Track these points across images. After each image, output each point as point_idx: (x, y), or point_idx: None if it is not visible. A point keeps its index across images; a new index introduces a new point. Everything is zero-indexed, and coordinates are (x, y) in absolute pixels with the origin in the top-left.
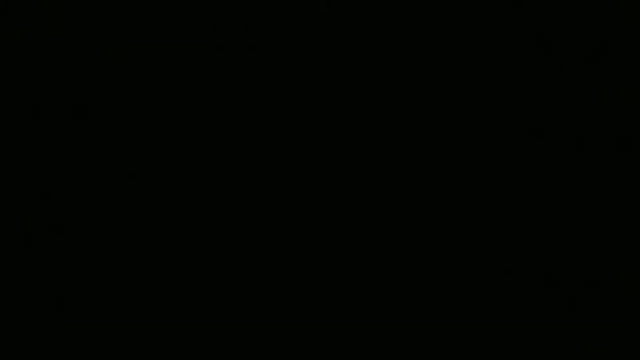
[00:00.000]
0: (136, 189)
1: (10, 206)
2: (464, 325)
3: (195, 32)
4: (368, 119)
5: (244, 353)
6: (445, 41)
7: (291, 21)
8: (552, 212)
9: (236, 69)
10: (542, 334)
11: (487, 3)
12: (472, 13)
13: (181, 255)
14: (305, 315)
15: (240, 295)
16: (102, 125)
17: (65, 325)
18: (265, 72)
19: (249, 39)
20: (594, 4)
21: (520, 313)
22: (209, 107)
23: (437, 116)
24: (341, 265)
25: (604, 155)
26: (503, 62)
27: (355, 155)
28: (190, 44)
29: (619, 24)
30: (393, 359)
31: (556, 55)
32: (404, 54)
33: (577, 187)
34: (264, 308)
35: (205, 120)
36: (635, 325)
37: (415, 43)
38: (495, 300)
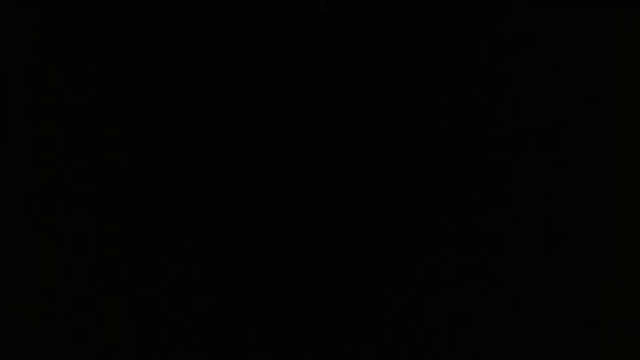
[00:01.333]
0: (134, 190)
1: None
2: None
3: (195, 31)
4: (369, 119)
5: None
6: (446, 41)
7: (291, 21)
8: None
9: (236, 69)
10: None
11: (485, 4)
12: (472, 14)
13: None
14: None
15: (235, 295)
16: (101, 125)
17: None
18: (265, 72)
19: (249, 39)
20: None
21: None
22: (208, 108)
23: (438, 116)
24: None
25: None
26: (503, 62)
27: (355, 155)
28: (190, 43)
29: None
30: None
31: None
32: (405, 54)
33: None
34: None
35: (205, 121)
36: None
37: (416, 43)
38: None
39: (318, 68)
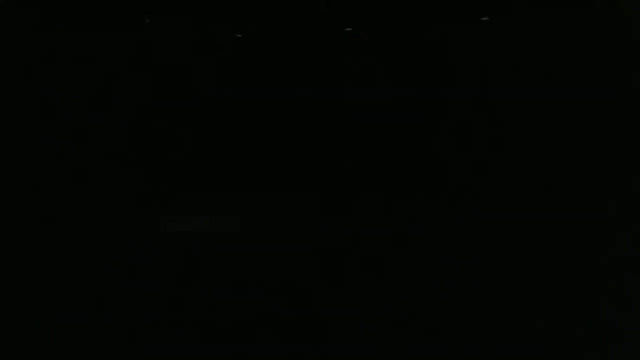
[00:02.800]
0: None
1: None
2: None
3: (194, 30)
4: (368, 119)
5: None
6: (446, 41)
7: (291, 21)
8: None
9: (236, 67)
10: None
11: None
12: (469, 17)
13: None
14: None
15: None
16: (101, 125)
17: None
18: (265, 71)
19: (250, 37)
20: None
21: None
22: (207, 107)
23: (438, 116)
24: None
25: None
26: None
27: (356, 155)
28: (190, 42)
29: None
30: None
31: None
32: (404, 54)
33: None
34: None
35: (205, 120)
36: None
37: (415, 43)
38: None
39: (318, 67)
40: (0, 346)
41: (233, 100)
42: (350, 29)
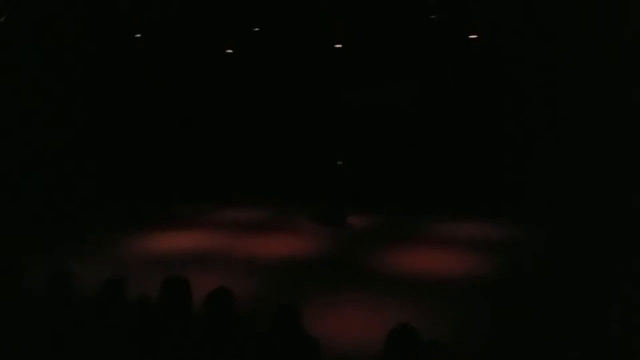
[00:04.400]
0: None
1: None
2: None
3: (198, 33)
4: (370, 120)
5: None
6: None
7: (292, 22)
8: None
9: (238, 68)
10: None
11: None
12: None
13: None
14: None
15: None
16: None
17: None
18: (265, 71)
19: (253, 38)
20: None
21: None
22: (210, 106)
23: (440, 115)
24: None
25: None
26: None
27: (359, 154)
28: (189, 42)
29: None
30: None
31: None
32: (403, 53)
33: None
34: None
35: (206, 119)
36: None
37: (414, 42)
38: None
39: (316, 66)
40: None
41: None
42: None
